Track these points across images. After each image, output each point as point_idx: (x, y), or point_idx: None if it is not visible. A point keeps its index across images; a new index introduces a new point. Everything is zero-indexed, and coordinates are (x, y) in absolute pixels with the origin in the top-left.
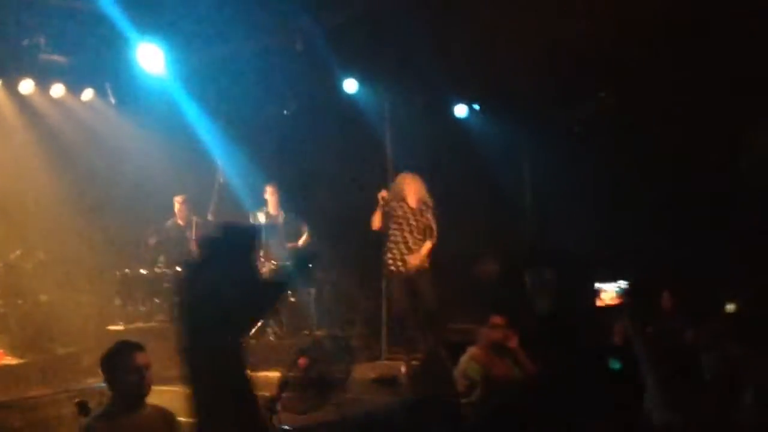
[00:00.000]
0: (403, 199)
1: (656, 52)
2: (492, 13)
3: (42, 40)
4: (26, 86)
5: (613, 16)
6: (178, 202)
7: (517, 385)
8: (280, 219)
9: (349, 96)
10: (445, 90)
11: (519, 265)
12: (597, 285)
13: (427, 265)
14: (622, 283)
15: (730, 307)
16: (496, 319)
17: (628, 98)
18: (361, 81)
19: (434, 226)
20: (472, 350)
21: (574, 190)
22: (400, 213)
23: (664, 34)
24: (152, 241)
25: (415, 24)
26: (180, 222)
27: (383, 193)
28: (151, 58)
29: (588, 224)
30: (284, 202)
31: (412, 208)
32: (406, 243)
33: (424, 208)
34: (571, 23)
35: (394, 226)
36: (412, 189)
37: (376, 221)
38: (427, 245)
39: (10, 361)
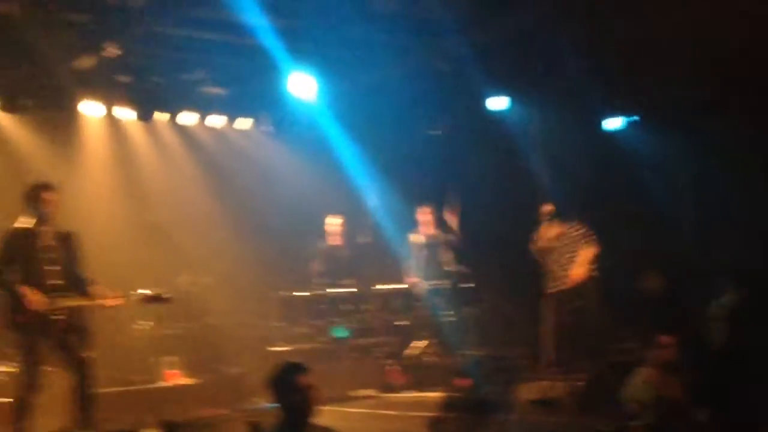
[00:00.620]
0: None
1: None
2: (647, 21)
3: (203, 74)
4: (188, 118)
5: None
6: (334, 223)
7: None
8: (435, 240)
9: (497, 113)
10: (597, 102)
11: (683, 281)
12: None
13: (593, 274)
14: None
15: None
16: (666, 339)
17: None
18: (510, 98)
19: (590, 236)
20: (642, 371)
21: (740, 202)
22: (556, 231)
23: None
24: (318, 267)
25: (566, 37)
26: (335, 243)
27: (545, 208)
28: (303, 86)
29: (756, 240)
30: (439, 223)
31: (560, 230)
32: (563, 259)
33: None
34: (732, 29)
35: (553, 243)
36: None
37: (541, 240)
38: (588, 253)
39: (185, 381)
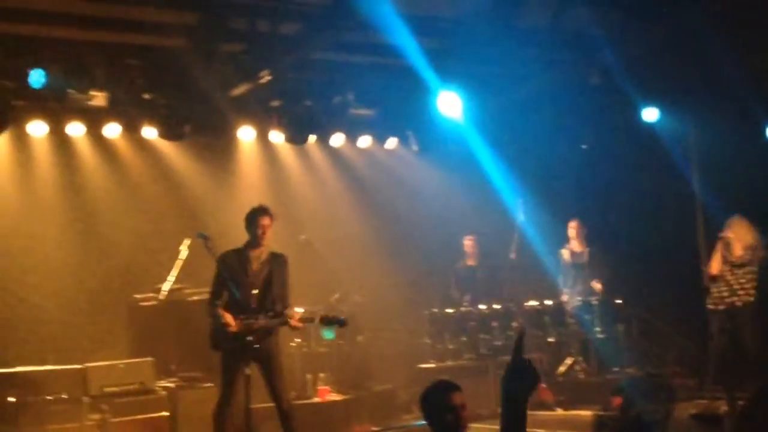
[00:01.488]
0: (730, 245)
1: None
2: None
3: (351, 96)
4: (337, 139)
5: None
6: (468, 242)
7: None
8: (585, 256)
9: (649, 125)
10: (756, 111)
11: None
12: None
13: (751, 298)
14: None
15: None
16: None
17: None
18: (663, 109)
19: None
20: None
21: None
22: (727, 256)
23: None
24: (454, 287)
25: (718, 44)
26: (470, 262)
27: (725, 234)
28: (449, 104)
29: None
30: (589, 238)
31: (738, 255)
32: (728, 282)
33: (750, 254)
34: None
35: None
36: (739, 236)
37: (715, 266)
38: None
39: (336, 397)
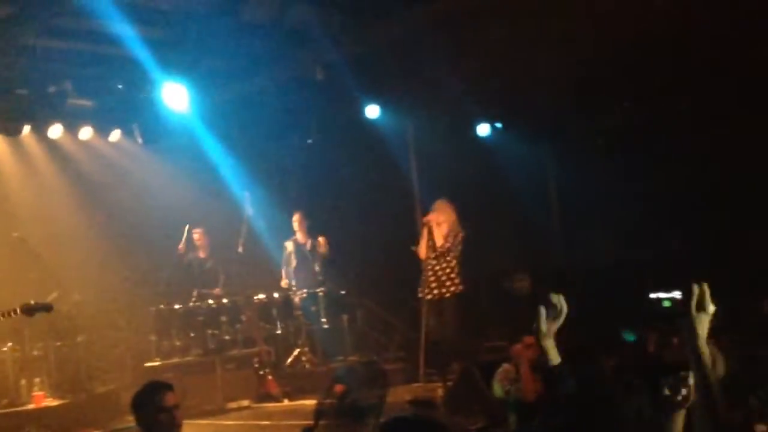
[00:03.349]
0: (432, 231)
1: (676, 59)
2: (510, 30)
3: (69, 86)
4: (55, 131)
5: (631, 27)
6: (197, 234)
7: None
8: (308, 247)
9: (372, 122)
10: (467, 110)
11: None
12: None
13: (458, 288)
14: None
15: None
16: (530, 338)
17: (652, 106)
18: (384, 106)
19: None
20: (505, 367)
21: (601, 203)
22: (432, 243)
23: (683, 42)
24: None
25: (434, 46)
26: (199, 254)
27: (428, 218)
28: (175, 96)
29: (615, 238)
30: (313, 230)
31: (440, 244)
32: (434, 270)
33: (451, 240)
34: (588, 36)
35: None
36: (440, 219)
37: (423, 250)
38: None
39: (51, 402)
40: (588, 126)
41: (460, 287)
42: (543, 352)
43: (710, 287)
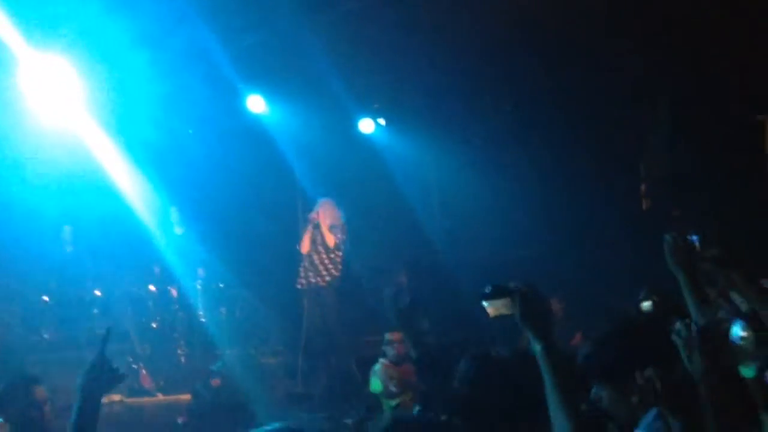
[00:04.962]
0: (318, 226)
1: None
2: (393, 28)
3: None
4: None
5: (512, 28)
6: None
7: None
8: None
9: (256, 116)
10: (351, 106)
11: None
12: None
13: (334, 278)
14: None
15: (646, 305)
16: (395, 335)
17: (530, 108)
18: (269, 100)
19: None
20: (381, 364)
21: (480, 201)
22: (316, 238)
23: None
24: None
25: (320, 42)
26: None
27: (313, 215)
28: None
29: (489, 234)
30: (192, 223)
31: (327, 237)
32: (314, 265)
33: (336, 236)
34: (470, 37)
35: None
36: (325, 217)
37: (305, 245)
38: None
39: None
40: (467, 126)
41: (337, 276)
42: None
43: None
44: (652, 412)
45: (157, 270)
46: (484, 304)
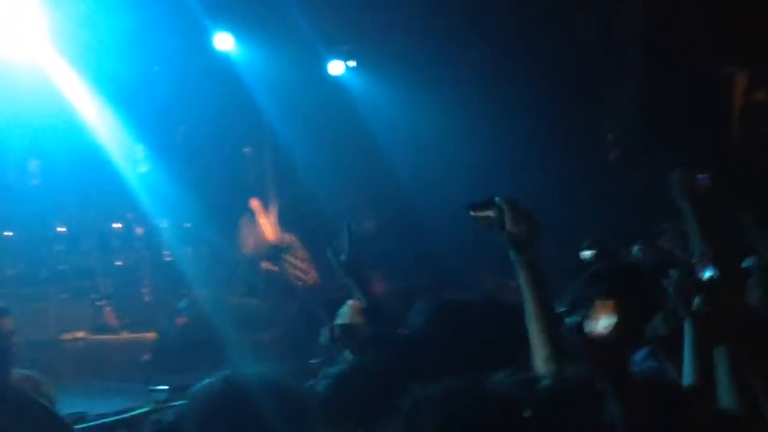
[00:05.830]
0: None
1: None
2: None
3: None
4: None
5: None
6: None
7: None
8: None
9: (224, 54)
10: (321, 48)
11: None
12: None
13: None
14: None
15: (588, 254)
16: (376, 275)
17: (500, 54)
18: (237, 38)
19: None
20: (351, 304)
21: (446, 146)
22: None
23: None
24: None
25: None
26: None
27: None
28: None
29: (457, 179)
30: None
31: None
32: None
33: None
34: None
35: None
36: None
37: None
38: None
39: None
40: (437, 69)
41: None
42: None
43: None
44: (642, 352)
45: (123, 210)
46: (471, 214)
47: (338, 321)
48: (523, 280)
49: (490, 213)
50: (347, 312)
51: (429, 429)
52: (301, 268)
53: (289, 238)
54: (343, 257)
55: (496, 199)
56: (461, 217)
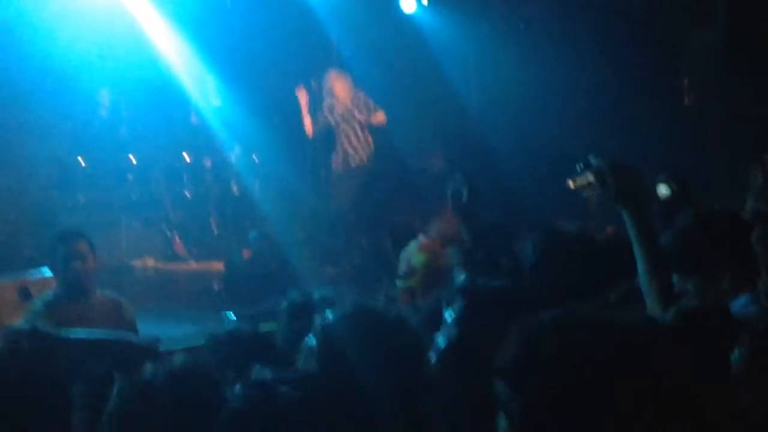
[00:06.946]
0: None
1: None
2: None
3: None
4: None
5: None
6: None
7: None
8: None
9: None
10: None
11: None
12: None
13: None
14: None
15: (663, 189)
16: (451, 214)
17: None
18: None
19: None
20: (421, 240)
21: (520, 89)
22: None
23: None
24: None
25: None
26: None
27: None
28: None
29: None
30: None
31: (345, 108)
32: (348, 138)
33: (357, 107)
34: None
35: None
36: (339, 89)
37: (308, 126)
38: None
39: None
40: (512, 10)
41: (365, 159)
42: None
43: None
44: (743, 299)
45: (194, 142)
46: (571, 186)
47: (407, 260)
48: (632, 235)
49: (589, 177)
50: (413, 248)
51: (550, 354)
52: (360, 139)
53: (364, 98)
54: (465, 200)
55: (592, 160)
56: (534, 162)
